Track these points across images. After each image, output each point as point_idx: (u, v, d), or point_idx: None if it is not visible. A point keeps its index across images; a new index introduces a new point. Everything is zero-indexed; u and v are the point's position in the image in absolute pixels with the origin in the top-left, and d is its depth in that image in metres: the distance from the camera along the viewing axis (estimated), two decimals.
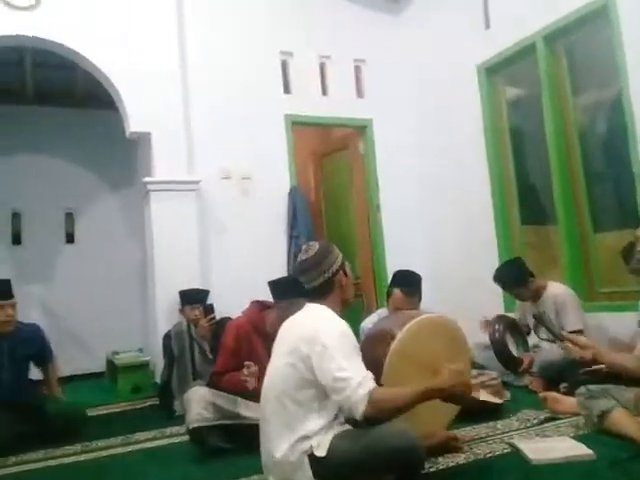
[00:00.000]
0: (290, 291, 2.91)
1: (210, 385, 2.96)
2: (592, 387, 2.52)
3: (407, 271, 3.51)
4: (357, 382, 1.89)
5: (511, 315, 4.02)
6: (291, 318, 2.25)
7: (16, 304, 3.47)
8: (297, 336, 2.08)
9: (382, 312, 3.59)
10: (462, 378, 2.07)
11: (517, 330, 3.78)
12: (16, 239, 6.36)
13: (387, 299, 3.50)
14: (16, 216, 6.37)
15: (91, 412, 4.19)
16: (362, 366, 1.97)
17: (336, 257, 2.21)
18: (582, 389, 2.56)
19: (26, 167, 6.27)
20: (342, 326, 2.05)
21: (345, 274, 2.22)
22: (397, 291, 3.39)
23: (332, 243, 2.35)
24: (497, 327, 3.69)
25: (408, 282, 3.40)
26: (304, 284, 2.21)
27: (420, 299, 3.42)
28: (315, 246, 2.23)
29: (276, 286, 3.09)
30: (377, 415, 1.89)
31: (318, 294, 2.17)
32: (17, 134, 6.24)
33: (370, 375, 1.95)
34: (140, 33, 4.77)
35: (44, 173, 6.34)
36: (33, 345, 3.59)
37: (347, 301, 2.25)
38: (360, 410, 1.86)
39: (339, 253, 2.24)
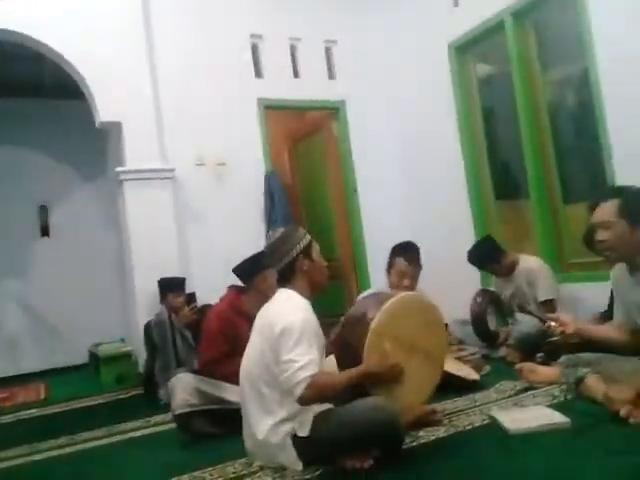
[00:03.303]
0: (254, 269, 3.03)
1: (197, 373, 2.98)
2: (571, 356, 2.60)
3: (406, 241, 3.56)
4: (300, 365, 1.96)
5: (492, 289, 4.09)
6: (265, 305, 2.28)
7: None
8: (265, 322, 2.15)
9: (381, 287, 3.61)
10: (387, 362, 2.13)
11: (498, 305, 3.85)
12: None
13: (388, 271, 3.50)
14: None
15: (75, 404, 4.21)
16: (312, 351, 2.02)
17: (297, 241, 2.22)
18: (563, 358, 2.65)
19: None
20: (302, 312, 2.09)
21: (310, 258, 2.23)
22: (400, 260, 3.42)
23: (298, 227, 2.36)
24: (478, 300, 3.76)
25: (409, 250, 3.47)
26: (273, 267, 2.28)
27: (421, 268, 3.46)
28: (279, 231, 2.29)
29: (240, 270, 3.15)
30: (313, 398, 1.98)
31: (283, 278, 2.24)
32: None
33: (316, 360, 2.01)
34: (105, 21, 4.68)
35: (15, 166, 6.24)
36: None
37: (317, 285, 2.27)
38: (298, 392, 1.95)
39: (303, 237, 2.25)
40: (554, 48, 4.44)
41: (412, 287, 3.37)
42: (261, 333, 2.15)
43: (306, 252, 2.23)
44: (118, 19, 4.73)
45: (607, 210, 2.31)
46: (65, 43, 4.56)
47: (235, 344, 2.95)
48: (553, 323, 2.57)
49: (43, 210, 6.52)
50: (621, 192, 2.37)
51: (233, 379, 2.86)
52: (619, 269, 2.49)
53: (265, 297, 2.40)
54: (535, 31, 4.43)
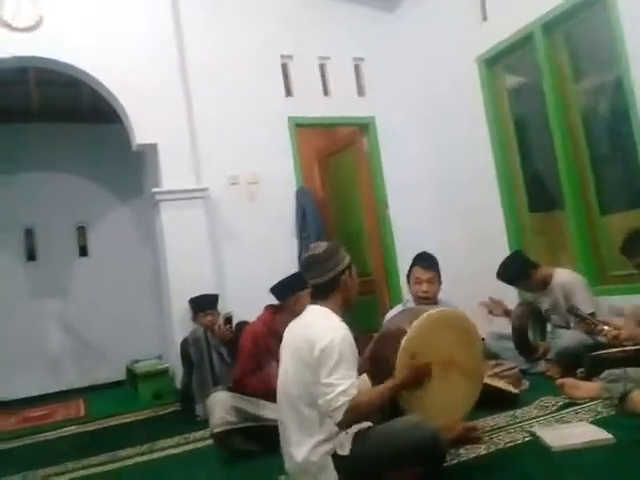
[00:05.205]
0: (290, 289, 3.05)
1: (233, 391, 3.01)
2: (614, 371, 2.55)
3: (422, 252, 3.66)
4: (341, 389, 1.95)
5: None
6: (294, 322, 2.29)
7: None
8: (300, 341, 2.12)
9: (408, 303, 3.63)
10: (420, 370, 2.16)
11: (538, 318, 3.78)
12: (30, 255, 6.45)
13: (408, 282, 3.59)
14: (29, 233, 6.46)
15: (114, 421, 4.28)
16: (352, 373, 2.01)
17: (343, 257, 2.24)
18: (605, 373, 2.61)
19: (36, 184, 6.36)
20: (341, 332, 2.07)
21: (351, 275, 2.25)
22: (415, 268, 3.52)
23: (340, 244, 2.38)
24: (519, 312, 3.71)
25: (424, 258, 3.55)
26: (309, 280, 2.25)
27: (440, 278, 3.49)
28: (323, 245, 2.27)
29: (276, 290, 3.17)
30: (351, 421, 1.98)
31: (322, 292, 2.21)
32: (25, 153, 6.32)
33: (356, 383, 2.00)
34: (140, 45, 4.83)
35: (54, 189, 6.43)
36: None
37: (350, 302, 2.27)
38: (338, 416, 1.94)
39: (346, 254, 2.27)
40: (586, 58, 4.39)
41: (432, 294, 3.42)
42: (296, 350, 2.13)
43: (350, 268, 2.25)
44: (152, 43, 4.88)
45: None
46: (103, 70, 4.70)
47: (266, 363, 2.99)
48: (606, 327, 2.53)
49: (81, 230, 6.69)
50: None
51: (260, 393, 2.90)
52: None
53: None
54: (566, 42, 4.39)
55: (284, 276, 3.25)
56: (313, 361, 2.02)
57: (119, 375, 6.00)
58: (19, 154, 6.30)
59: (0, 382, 5.78)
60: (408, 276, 3.60)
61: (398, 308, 3.61)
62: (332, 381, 1.96)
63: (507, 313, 3.85)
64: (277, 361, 2.80)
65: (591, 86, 4.40)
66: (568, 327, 3.63)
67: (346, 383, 1.96)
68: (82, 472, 3.02)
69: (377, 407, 2.05)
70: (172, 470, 2.89)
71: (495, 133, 4.91)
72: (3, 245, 6.30)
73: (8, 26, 4.46)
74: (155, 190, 4.84)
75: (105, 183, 6.71)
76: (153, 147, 4.86)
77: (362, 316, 5.19)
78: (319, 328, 2.09)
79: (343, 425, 1.97)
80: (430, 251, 3.71)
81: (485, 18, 4.89)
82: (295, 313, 2.84)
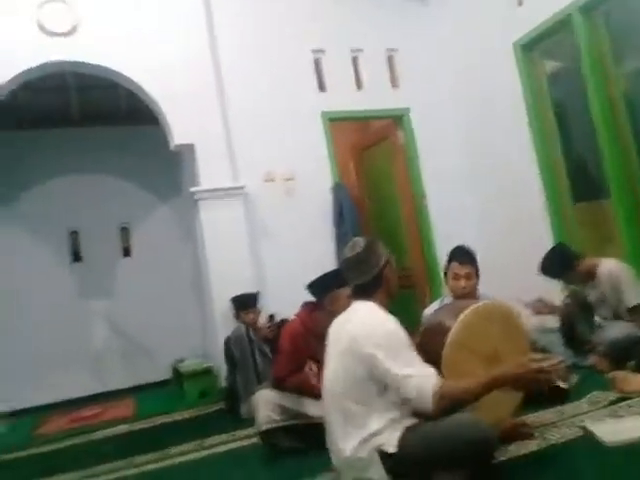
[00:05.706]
0: (327, 287, 3.02)
1: (275, 388, 3.03)
2: None
3: (458, 245, 3.54)
4: (423, 378, 1.93)
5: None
6: (339, 319, 2.27)
7: None
8: (351, 337, 2.10)
9: (446, 298, 3.59)
10: (527, 365, 2.03)
11: (587, 309, 3.68)
12: (76, 257, 6.61)
13: (445, 278, 3.51)
14: (73, 234, 6.61)
15: (162, 419, 4.36)
16: (419, 360, 2.00)
17: (382, 252, 2.23)
18: None
19: (79, 187, 6.50)
20: (394, 324, 2.08)
21: (391, 268, 2.24)
22: (453, 264, 3.42)
23: (376, 237, 2.35)
24: (568, 303, 3.62)
25: (461, 253, 3.44)
26: (351, 281, 2.24)
27: (478, 273, 3.40)
28: (361, 242, 2.25)
29: (313, 287, 3.14)
30: (447, 408, 1.93)
31: (367, 290, 2.19)
32: (67, 156, 6.45)
33: (434, 370, 1.98)
34: (174, 47, 4.86)
35: (96, 191, 6.56)
36: None
37: (393, 294, 2.27)
38: (431, 404, 1.90)
39: (384, 248, 2.26)
40: (627, 39, 4.24)
41: (470, 289, 3.34)
42: (343, 347, 2.12)
43: (390, 261, 2.24)
44: (186, 44, 4.91)
45: None
46: (138, 71, 4.76)
47: (304, 362, 3.00)
48: None
49: (124, 231, 6.82)
50: None
51: (304, 391, 2.92)
52: None
53: (334, 317, 2.37)
54: (606, 23, 4.24)
55: (322, 273, 3.23)
56: (366, 356, 2.01)
57: (164, 374, 6.11)
58: (61, 159, 6.44)
59: (49, 383, 5.94)
60: (445, 272, 3.53)
61: (435, 305, 3.57)
62: (411, 372, 1.94)
63: (554, 310, 3.75)
64: (316, 360, 2.83)
65: (634, 69, 4.25)
66: (617, 319, 3.53)
67: (424, 371, 1.95)
68: (134, 470, 3.09)
69: (470, 400, 1.98)
70: (221, 467, 2.94)
71: (535, 120, 4.79)
72: (49, 247, 6.47)
73: (45, 31, 4.56)
74: (194, 189, 4.90)
75: (145, 184, 6.82)
76: (190, 147, 4.91)
77: (401, 311, 5.15)
78: (369, 324, 2.08)
79: (439, 413, 1.93)
80: (470, 242, 3.64)
81: (520, 3, 4.77)
82: (332, 311, 2.85)
